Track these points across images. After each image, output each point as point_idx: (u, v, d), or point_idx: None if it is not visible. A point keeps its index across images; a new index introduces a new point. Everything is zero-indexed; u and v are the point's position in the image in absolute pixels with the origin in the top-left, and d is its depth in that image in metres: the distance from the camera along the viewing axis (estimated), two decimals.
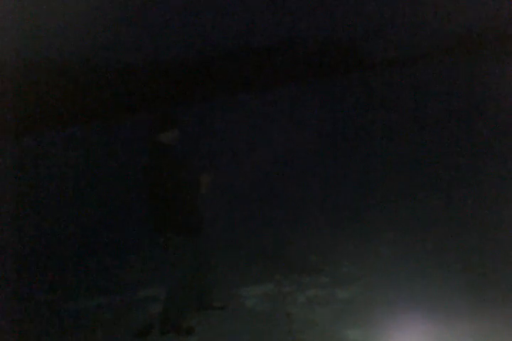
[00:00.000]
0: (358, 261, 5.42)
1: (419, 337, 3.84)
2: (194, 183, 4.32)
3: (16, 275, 6.52)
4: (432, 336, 3.82)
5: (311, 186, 9.34)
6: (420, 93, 20.53)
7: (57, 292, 5.74)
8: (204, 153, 13.65)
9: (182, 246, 4.29)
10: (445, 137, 12.09)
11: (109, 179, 13.78)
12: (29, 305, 5.46)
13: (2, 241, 8.36)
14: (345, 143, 13.91)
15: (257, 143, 15.83)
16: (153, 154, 4.32)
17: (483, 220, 6.09)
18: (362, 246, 5.81)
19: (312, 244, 6.09)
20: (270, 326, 4.27)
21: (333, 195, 8.48)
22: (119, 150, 19.51)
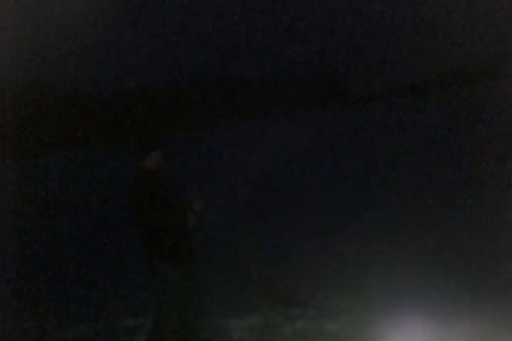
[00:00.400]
0: (346, 292, 5.40)
1: None
2: (181, 210, 4.32)
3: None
4: None
5: (296, 218, 9.33)
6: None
7: (41, 319, 5.62)
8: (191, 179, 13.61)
9: (169, 274, 4.25)
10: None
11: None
12: (13, 333, 5.34)
13: None
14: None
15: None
16: (138, 180, 4.33)
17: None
18: (350, 277, 5.80)
19: (300, 276, 6.07)
20: None
21: (321, 226, 8.49)
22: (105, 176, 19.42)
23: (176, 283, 4.28)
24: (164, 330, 4.30)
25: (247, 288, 5.82)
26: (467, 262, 5.85)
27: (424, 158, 13.63)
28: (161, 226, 4.19)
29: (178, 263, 4.29)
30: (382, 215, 8.62)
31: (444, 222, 7.41)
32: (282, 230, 8.59)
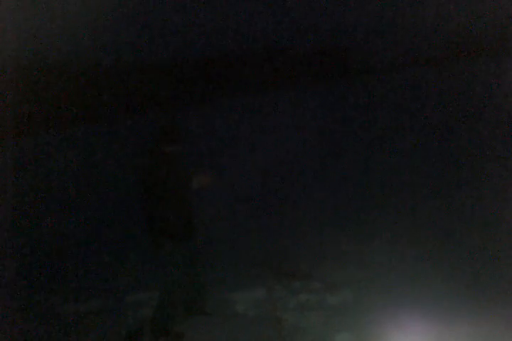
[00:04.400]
0: (349, 266, 5.44)
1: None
2: (187, 188, 4.35)
3: (12, 275, 6.51)
4: None
5: (300, 195, 9.32)
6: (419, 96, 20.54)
7: (51, 294, 5.72)
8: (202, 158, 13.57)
9: (173, 252, 4.30)
10: (445, 137, 12.09)
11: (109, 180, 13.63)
12: (23, 305, 5.45)
13: None
14: (342, 147, 13.84)
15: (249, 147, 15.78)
16: (152, 160, 4.35)
17: (483, 220, 6.13)
18: (354, 251, 5.85)
19: (303, 250, 6.11)
20: (260, 331, 4.27)
21: (325, 200, 8.50)
22: (119, 151, 19.37)
23: (179, 258, 4.33)
24: (169, 304, 4.37)
25: (250, 262, 5.89)
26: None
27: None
28: (166, 204, 4.23)
29: (181, 238, 4.34)
30: (385, 186, 8.63)
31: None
32: (285, 205, 8.63)
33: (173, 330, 4.36)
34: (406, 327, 4.03)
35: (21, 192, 11.04)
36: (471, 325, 3.88)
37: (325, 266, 5.52)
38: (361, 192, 8.31)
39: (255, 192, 9.85)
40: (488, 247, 5.33)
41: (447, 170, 8.96)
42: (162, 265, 4.35)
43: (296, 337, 4.11)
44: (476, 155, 9.72)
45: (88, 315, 5.01)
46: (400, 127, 14.18)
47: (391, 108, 18.04)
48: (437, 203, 7.26)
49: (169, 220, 4.25)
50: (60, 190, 13.30)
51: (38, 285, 6.10)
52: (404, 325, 4.06)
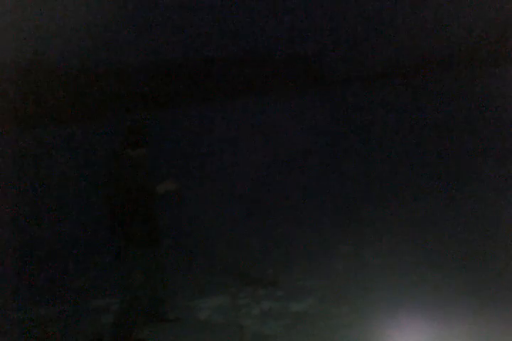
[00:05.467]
0: (314, 273, 5.47)
1: None
2: (152, 193, 4.31)
3: None
4: None
5: (268, 201, 9.36)
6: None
7: (6, 299, 5.57)
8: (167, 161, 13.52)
9: (137, 257, 4.24)
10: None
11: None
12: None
13: None
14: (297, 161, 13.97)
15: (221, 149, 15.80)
16: (117, 163, 4.29)
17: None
18: (319, 259, 5.88)
19: (269, 257, 6.12)
20: (223, 338, 4.25)
21: (291, 208, 8.55)
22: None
23: (144, 265, 4.29)
24: (132, 311, 4.31)
25: (215, 269, 5.87)
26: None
27: None
28: (130, 210, 4.18)
29: (146, 244, 4.29)
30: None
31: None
32: (254, 209, 8.65)
33: (134, 337, 4.30)
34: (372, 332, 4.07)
35: None
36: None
37: (291, 273, 5.55)
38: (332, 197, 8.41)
39: (224, 195, 9.86)
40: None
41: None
42: (126, 270, 4.29)
43: None
44: None
45: (48, 321, 4.90)
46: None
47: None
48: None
49: (134, 225, 4.20)
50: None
51: None
52: (370, 331, 4.09)
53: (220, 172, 12.99)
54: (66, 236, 8.28)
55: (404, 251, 5.83)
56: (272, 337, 4.21)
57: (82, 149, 19.98)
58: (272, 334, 4.27)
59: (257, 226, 7.57)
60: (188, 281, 5.53)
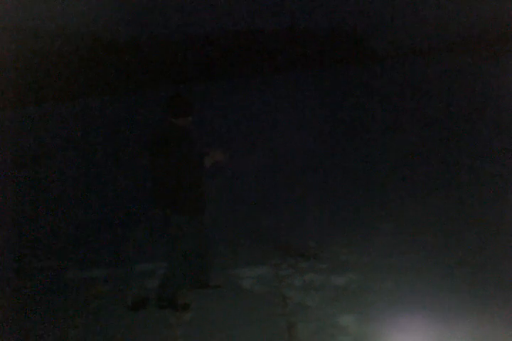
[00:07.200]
0: (356, 249, 5.45)
1: (413, 325, 3.87)
2: (200, 162, 4.34)
3: (19, 240, 6.65)
4: (429, 328, 3.84)
5: (312, 175, 9.32)
6: (420, 90, 20.47)
7: (58, 260, 5.82)
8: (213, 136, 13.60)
9: (183, 225, 4.32)
10: (445, 135, 12.00)
11: (114, 152, 13.75)
12: (28, 270, 5.56)
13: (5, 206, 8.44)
14: (346, 134, 13.79)
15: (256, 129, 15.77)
16: (164, 132, 4.34)
17: (483, 218, 6.10)
18: (361, 235, 5.85)
19: (312, 231, 6.13)
20: (264, 307, 4.31)
21: (335, 185, 8.49)
22: (125, 123, 19.51)
23: (189, 232, 4.36)
24: (177, 276, 4.43)
25: (258, 239, 5.92)
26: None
27: None
28: (176, 178, 4.23)
29: (191, 212, 4.36)
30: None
31: None
32: (294, 183, 8.64)
33: (179, 301, 4.42)
34: (410, 311, 4.04)
35: None
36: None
37: (332, 247, 5.55)
38: (365, 186, 8.30)
39: (265, 170, 9.88)
40: (488, 245, 5.31)
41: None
42: (171, 238, 4.39)
43: (299, 315, 4.14)
44: None
45: (95, 282, 5.08)
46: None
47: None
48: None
49: (180, 193, 4.26)
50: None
51: (48, 251, 6.23)
52: (407, 310, 4.07)
53: (268, 143, 12.95)
54: (116, 203, 8.52)
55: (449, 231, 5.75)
56: (312, 308, 4.25)
57: (131, 119, 20.27)
58: (314, 305, 4.30)
59: (299, 201, 7.56)
60: (232, 251, 5.62)
